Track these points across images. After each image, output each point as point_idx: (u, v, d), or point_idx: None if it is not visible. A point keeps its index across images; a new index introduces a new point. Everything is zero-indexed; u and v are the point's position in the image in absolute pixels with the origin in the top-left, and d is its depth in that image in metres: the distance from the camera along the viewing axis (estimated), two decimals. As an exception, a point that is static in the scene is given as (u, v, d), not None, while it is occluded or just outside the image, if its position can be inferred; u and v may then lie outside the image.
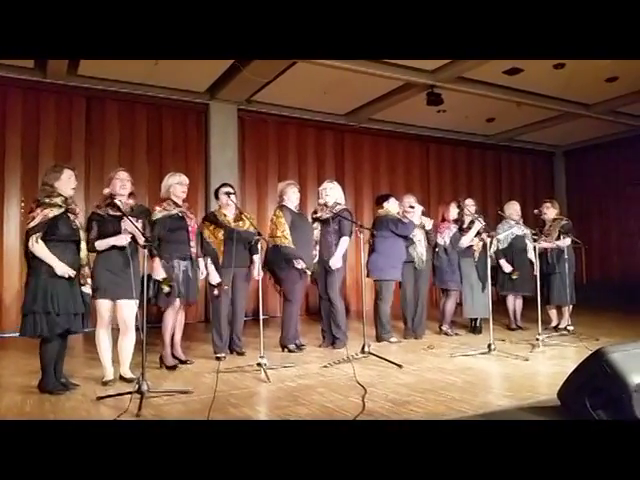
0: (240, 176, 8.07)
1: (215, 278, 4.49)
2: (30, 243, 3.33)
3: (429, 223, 5.62)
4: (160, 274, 3.99)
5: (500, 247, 6.05)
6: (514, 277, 5.83)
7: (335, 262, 4.85)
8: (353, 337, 5.16)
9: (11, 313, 6.36)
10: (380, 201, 5.59)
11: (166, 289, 3.93)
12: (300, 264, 4.72)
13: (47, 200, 3.41)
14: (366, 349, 4.33)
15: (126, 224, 3.65)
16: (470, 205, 5.89)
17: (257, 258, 4.66)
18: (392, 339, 5.32)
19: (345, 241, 4.91)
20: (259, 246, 4.33)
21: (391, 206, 5.48)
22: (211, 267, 4.50)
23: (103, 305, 3.69)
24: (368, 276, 5.22)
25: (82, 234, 3.56)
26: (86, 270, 3.56)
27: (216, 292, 4.47)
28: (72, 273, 3.36)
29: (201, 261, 4.48)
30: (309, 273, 4.88)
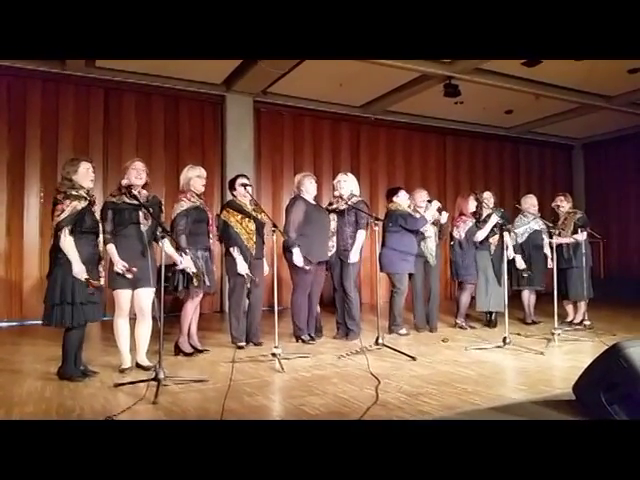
0: (256, 168, 8.09)
1: (245, 269, 4.48)
2: (63, 236, 3.35)
3: (445, 216, 5.58)
4: (192, 267, 4.02)
5: (518, 241, 5.99)
6: (524, 275, 5.78)
7: (353, 256, 4.88)
8: (367, 329, 5.16)
9: (32, 301, 6.47)
10: (390, 195, 5.56)
11: (196, 282, 4.02)
12: (297, 255, 4.64)
13: (74, 192, 3.44)
14: (380, 341, 4.34)
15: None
16: (488, 198, 5.85)
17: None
18: (401, 331, 5.31)
19: (361, 234, 4.92)
20: (274, 238, 4.33)
21: (401, 200, 5.44)
22: (240, 258, 4.48)
23: (123, 295, 3.71)
24: (382, 270, 5.21)
25: (100, 226, 3.61)
26: (102, 263, 3.61)
27: (248, 285, 4.48)
28: (85, 277, 3.37)
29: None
30: (307, 268, 4.72)
